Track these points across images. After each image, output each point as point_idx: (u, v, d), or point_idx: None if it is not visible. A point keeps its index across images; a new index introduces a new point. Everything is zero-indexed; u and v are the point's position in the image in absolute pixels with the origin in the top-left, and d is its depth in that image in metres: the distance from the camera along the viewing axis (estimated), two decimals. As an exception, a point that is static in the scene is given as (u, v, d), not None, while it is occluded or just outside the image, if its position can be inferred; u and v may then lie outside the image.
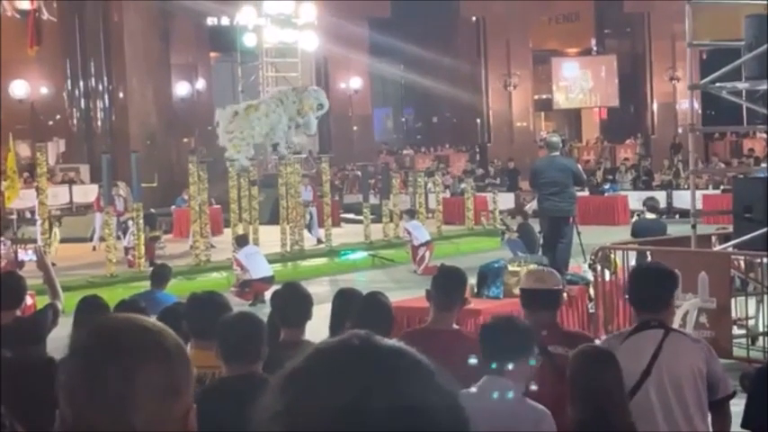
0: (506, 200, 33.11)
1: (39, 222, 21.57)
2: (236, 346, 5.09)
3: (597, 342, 6.02)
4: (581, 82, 50.55)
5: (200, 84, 41.19)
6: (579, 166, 18.25)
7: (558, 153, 16.06)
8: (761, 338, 12.44)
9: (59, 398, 1.86)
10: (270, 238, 24.70)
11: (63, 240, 25.69)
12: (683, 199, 30.68)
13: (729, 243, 13.38)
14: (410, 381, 1.40)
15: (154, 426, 1.82)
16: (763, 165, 24.06)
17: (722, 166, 36.29)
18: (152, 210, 25.99)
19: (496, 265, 13.15)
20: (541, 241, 16.47)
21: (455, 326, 6.36)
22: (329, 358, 1.44)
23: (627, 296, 5.88)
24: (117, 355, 1.83)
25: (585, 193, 32.38)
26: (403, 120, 55.84)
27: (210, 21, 40.86)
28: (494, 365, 4.78)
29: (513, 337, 4.90)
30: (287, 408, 1.41)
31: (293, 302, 6.52)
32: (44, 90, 37.65)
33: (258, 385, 5.00)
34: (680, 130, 45.12)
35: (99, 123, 38.66)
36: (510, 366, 4.76)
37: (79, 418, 1.83)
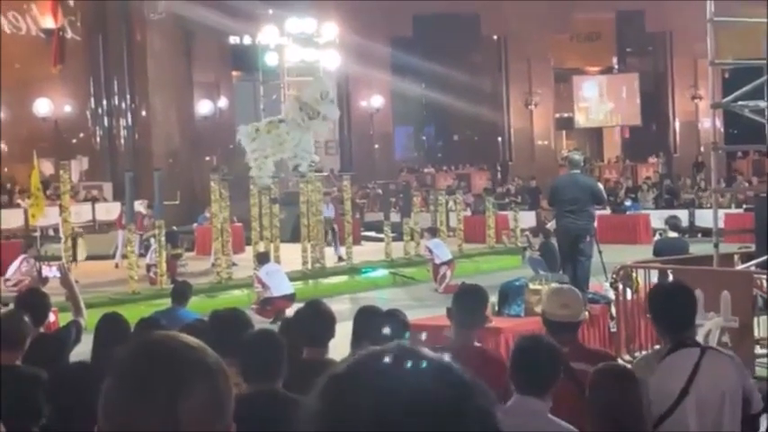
0: (528, 218, 33.07)
1: (62, 240, 21.66)
2: (257, 364, 5.10)
3: (621, 361, 6.03)
4: (602, 101, 50.48)
5: (223, 102, 41.32)
6: (600, 185, 18.17)
7: (578, 171, 15.96)
8: (783, 358, 12.39)
9: (99, 414, 1.85)
10: (291, 255, 24.73)
11: (86, 258, 25.80)
12: (705, 218, 30.56)
13: (752, 262, 13.34)
14: (448, 389, 1.45)
15: None
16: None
17: (746, 184, 36.17)
18: (174, 227, 26.06)
19: (517, 284, 13.15)
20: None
21: (477, 344, 6.37)
22: (371, 364, 1.48)
23: (651, 316, 5.85)
24: (162, 373, 1.82)
25: (607, 211, 32.30)
26: (424, 138, 55.85)
27: (233, 40, 41.01)
28: (523, 386, 4.80)
29: (542, 358, 4.90)
30: (327, 409, 1.45)
31: (317, 321, 6.48)
32: (68, 108, 37.82)
33: (280, 403, 5.02)
34: (702, 149, 45.01)
35: (122, 141, 38.84)
36: (539, 387, 4.78)
37: None
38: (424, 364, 1.48)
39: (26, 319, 6.67)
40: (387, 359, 1.48)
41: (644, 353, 10.14)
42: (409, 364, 1.47)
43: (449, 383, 1.46)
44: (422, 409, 1.41)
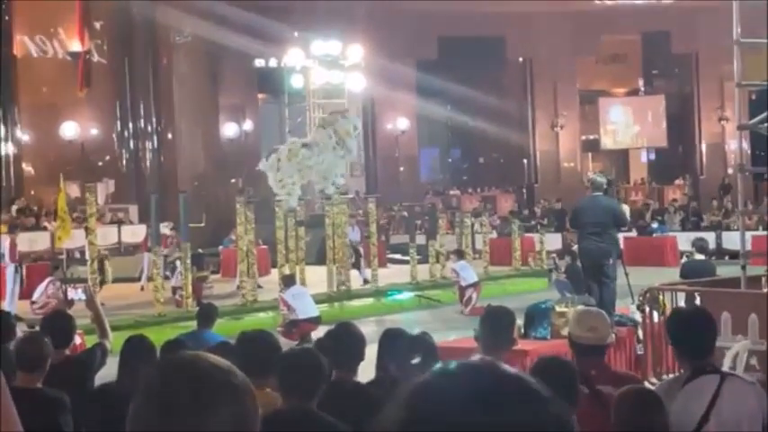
0: (553, 240, 32.99)
1: (88, 262, 21.73)
2: (296, 381, 5.09)
3: (648, 385, 5.99)
4: (628, 124, 50.37)
5: (248, 125, 41.43)
6: (624, 206, 18.08)
7: (600, 193, 15.88)
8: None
9: None
10: (316, 278, 24.73)
11: (112, 280, 25.87)
12: (732, 240, 30.42)
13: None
14: (529, 404, 1.51)
15: None
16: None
17: (773, 206, 35.99)
18: (200, 250, 26.11)
19: (544, 306, 13.09)
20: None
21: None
22: (455, 375, 1.53)
23: (671, 342, 5.83)
24: (188, 392, 1.84)
25: (634, 234, 32.20)
26: (449, 160, 55.85)
27: (258, 62, 41.13)
28: None
29: (559, 378, 4.89)
30: (410, 418, 1.48)
31: (347, 343, 6.45)
32: (94, 131, 37.99)
33: (313, 421, 5.02)
34: (729, 171, 44.83)
35: (147, 164, 38.99)
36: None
37: None
38: (506, 378, 1.53)
39: (47, 341, 6.65)
40: (473, 371, 1.54)
41: (670, 376, 10.07)
42: (491, 378, 1.53)
43: (529, 397, 1.52)
44: (503, 422, 1.46)
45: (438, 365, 1.57)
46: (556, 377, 4.90)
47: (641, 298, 13.78)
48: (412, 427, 1.48)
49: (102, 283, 23.02)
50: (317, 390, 5.15)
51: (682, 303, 12.60)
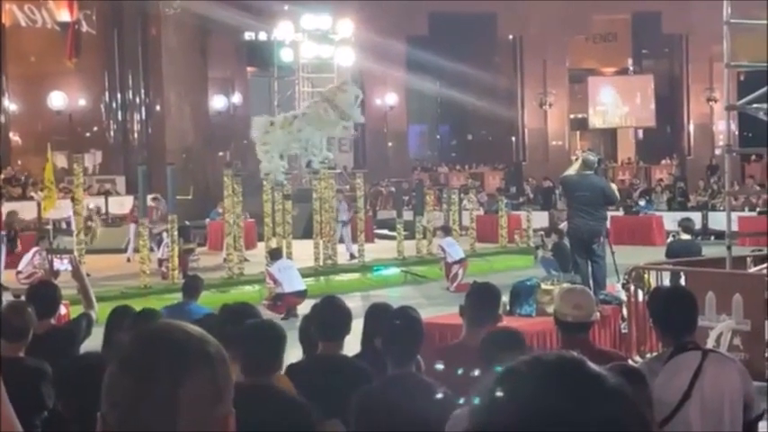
0: (540, 218, 33.02)
1: (74, 232, 21.70)
2: (255, 356, 5.08)
3: (632, 363, 6.02)
4: (617, 103, 50.37)
5: (237, 98, 41.35)
6: (613, 185, 18.14)
7: (591, 172, 15.94)
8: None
9: (102, 400, 1.90)
10: (303, 252, 24.74)
11: (98, 251, 25.84)
12: (718, 220, 30.41)
13: (765, 265, 13.28)
14: (616, 402, 1.53)
15: (197, 429, 1.87)
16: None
17: (757, 188, 36.03)
18: (186, 222, 26.09)
19: (529, 284, 13.11)
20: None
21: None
22: (546, 366, 1.55)
23: (652, 320, 5.88)
24: (163, 361, 1.87)
25: (620, 213, 32.23)
26: (438, 137, 55.81)
27: (248, 36, 41.01)
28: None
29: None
30: (496, 405, 1.52)
31: (333, 316, 6.48)
32: (82, 102, 37.91)
33: (271, 395, 5.00)
34: (716, 152, 44.89)
35: (135, 136, 38.93)
36: None
37: (124, 422, 1.87)
38: (592, 374, 1.55)
39: (30, 311, 6.63)
40: (563, 363, 1.56)
41: (654, 354, 10.11)
42: (580, 372, 1.55)
43: (614, 394, 1.54)
44: (589, 418, 1.49)
45: (533, 355, 1.59)
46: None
47: (627, 277, 13.83)
48: (496, 424, 1.50)
49: (92, 238, 22.97)
50: (276, 365, 5.14)
51: (667, 283, 12.65)
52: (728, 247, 13.75)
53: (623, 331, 13.56)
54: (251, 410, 4.61)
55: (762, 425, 5.62)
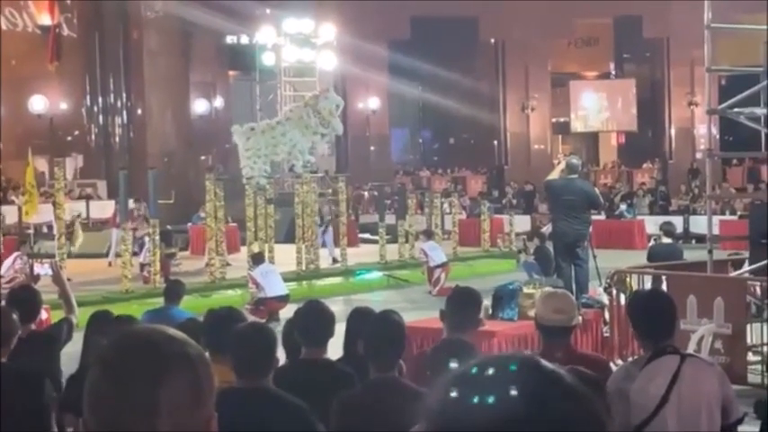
0: (523, 222, 33.05)
1: (56, 237, 21.62)
2: (248, 359, 5.08)
3: (613, 367, 6.02)
4: (599, 107, 50.51)
5: (219, 102, 41.30)
6: (596, 189, 18.24)
7: (576, 176, 16.03)
8: (776, 365, 12.37)
9: (84, 405, 1.89)
10: (285, 256, 24.70)
11: (79, 256, 25.75)
12: (699, 224, 30.54)
13: (746, 268, 13.34)
14: (573, 401, 1.53)
15: (178, 431, 1.86)
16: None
17: (732, 191, 36.10)
18: (168, 227, 26.01)
19: (511, 287, 13.11)
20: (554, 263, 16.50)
21: (469, 346, 6.34)
22: (502, 366, 1.53)
23: (631, 324, 5.88)
24: (143, 363, 1.86)
25: (602, 216, 32.28)
26: (420, 141, 55.86)
27: (230, 39, 40.98)
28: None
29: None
30: (451, 405, 1.51)
31: (316, 321, 6.45)
32: (63, 106, 37.80)
33: (267, 398, 5.00)
34: (698, 156, 45.05)
35: (117, 140, 38.84)
36: None
37: (104, 426, 1.87)
38: (548, 374, 1.55)
39: (13, 316, 6.59)
40: (515, 363, 1.54)
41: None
42: (535, 374, 1.54)
43: (571, 394, 1.54)
44: (545, 419, 1.48)
45: (478, 358, 1.58)
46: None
47: (608, 280, 13.87)
48: (452, 424, 1.49)
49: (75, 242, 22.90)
50: (271, 365, 5.13)
51: (649, 286, 12.67)
52: (710, 251, 13.80)
53: (605, 335, 13.59)
54: (250, 413, 4.60)
55: (744, 428, 5.62)
